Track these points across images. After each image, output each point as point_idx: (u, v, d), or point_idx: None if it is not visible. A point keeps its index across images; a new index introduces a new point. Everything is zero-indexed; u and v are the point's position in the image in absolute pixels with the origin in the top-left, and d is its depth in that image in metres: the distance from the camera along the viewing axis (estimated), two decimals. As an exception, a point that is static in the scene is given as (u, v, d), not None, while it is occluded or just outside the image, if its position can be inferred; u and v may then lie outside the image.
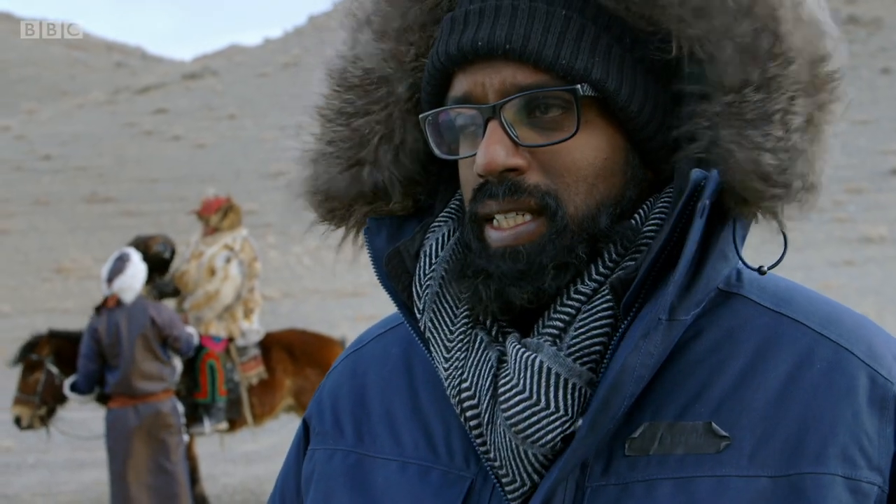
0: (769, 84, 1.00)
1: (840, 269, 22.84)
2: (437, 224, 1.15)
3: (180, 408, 7.32)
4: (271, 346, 8.36)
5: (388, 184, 1.18)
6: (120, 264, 7.06)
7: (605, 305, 1.02)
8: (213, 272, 7.95)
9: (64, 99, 56.81)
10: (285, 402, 8.38)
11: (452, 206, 1.16)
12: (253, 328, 8.25)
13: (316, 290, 23.73)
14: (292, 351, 8.41)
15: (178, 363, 7.41)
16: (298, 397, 8.39)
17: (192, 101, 45.19)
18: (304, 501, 1.20)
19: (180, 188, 31.94)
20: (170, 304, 7.93)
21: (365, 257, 1.21)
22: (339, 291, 23.11)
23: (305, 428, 1.25)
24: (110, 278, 7.02)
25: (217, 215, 8.13)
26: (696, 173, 0.98)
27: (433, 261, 1.11)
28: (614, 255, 1.04)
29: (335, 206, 1.20)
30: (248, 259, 8.17)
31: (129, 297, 7.03)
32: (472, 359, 1.05)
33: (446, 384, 1.07)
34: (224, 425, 8.03)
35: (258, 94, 44.61)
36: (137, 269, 7.11)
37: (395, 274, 1.14)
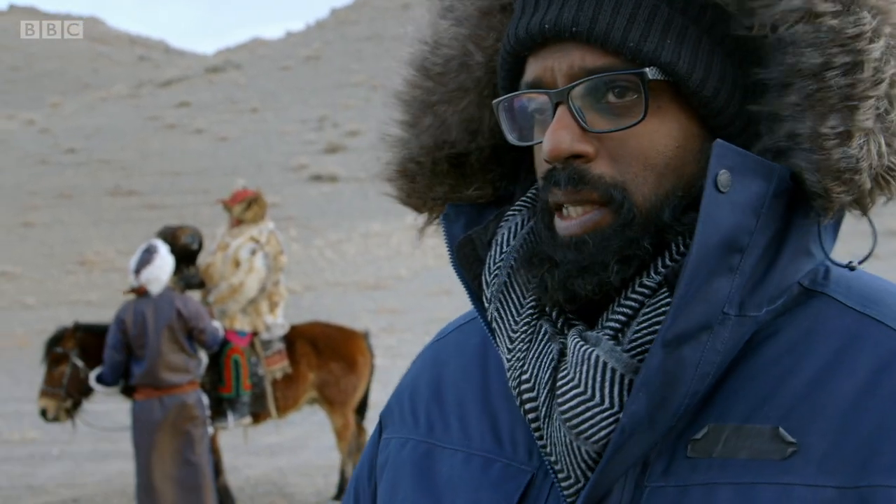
0: (854, 68, 0.94)
1: (866, 263, 22.63)
2: (511, 213, 1.12)
3: (205, 400, 7.34)
4: (295, 339, 8.35)
5: (470, 166, 1.16)
6: (147, 256, 7.08)
7: (667, 300, 0.97)
8: (237, 264, 7.95)
9: (88, 92, 57.12)
10: (309, 395, 8.39)
11: (529, 195, 1.13)
12: (278, 322, 8.25)
13: (337, 283, 23.77)
14: (316, 344, 8.41)
15: (203, 356, 7.42)
16: (322, 390, 8.40)
17: (214, 95, 45.34)
18: (378, 490, 1.19)
19: (203, 181, 32.07)
20: (195, 296, 7.94)
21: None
22: (360, 284, 23.15)
23: (381, 421, 1.24)
24: (138, 269, 7.05)
25: (240, 206, 8.12)
26: (714, 144, 0.94)
27: (504, 249, 1.08)
28: (682, 248, 0.99)
29: (417, 188, 1.18)
30: (273, 252, 8.17)
31: (155, 288, 7.06)
32: (533, 351, 1.02)
33: (508, 375, 1.04)
34: (248, 419, 8.04)
35: (280, 88, 44.71)
36: (165, 261, 7.13)
37: (467, 262, 1.11)
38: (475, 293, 1.11)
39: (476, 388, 1.14)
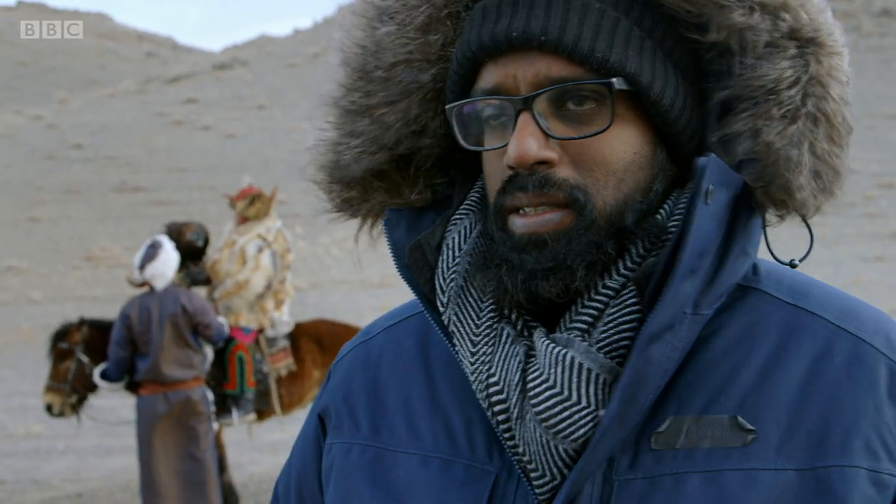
0: (800, 79, 1.01)
1: (871, 265, 22.64)
2: (458, 216, 1.13)
3: (210, 395, 7.35)
4: (300, 337, 8.36)
5: (408, 171, 1.17)
6: (152, 251, 7.11)
7: (632, 300, 1.01)
8: (244, 261, 7.97)
9: (95, 88, 57.21)
10: (313, 393, 8.39)
11: (473, 198, 1.15)
12: (283, 319, 8.26)
13: (343, 281, 23.79)
14: (321, 342, 8.41)
15: (209, 351, 7.44)
16: (327, 388, 8.40)
17: (221, 92, 45.39)
18: (325, 496, 1.18)
19: (210, 178, 32.11)
20: (201, 292, 7.96)
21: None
22: (366, 282, 23.16)
23: (321, 421, 1.23)
24: (142, 265, 7.07)
25: (243, 203, 8.14)
26: (701, 160, 0.99)
27: (456, 254, 1.10)
28: (641, 251, 1.03)
29: (352, 196, 1.19)
30: (280, 250, 8.18)
31: (160, 283, 7.08)
32: (499, 353, 1.04)
33: (472, 378, 1.06)
34: (252, 416, 8.06)
35: (288, 85, 44.74)
36: (169, 257, 7.15)
37: (417, 266, 1.13)
38: (426, 297, 1.12)
39: (421, 390, 1.14)
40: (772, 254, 1.09)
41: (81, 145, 37.18)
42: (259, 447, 10.52)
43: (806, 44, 1.02)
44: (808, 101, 1.01)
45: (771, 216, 1.07)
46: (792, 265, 1.10)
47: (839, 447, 0.97)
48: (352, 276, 23.87)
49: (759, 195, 1.03)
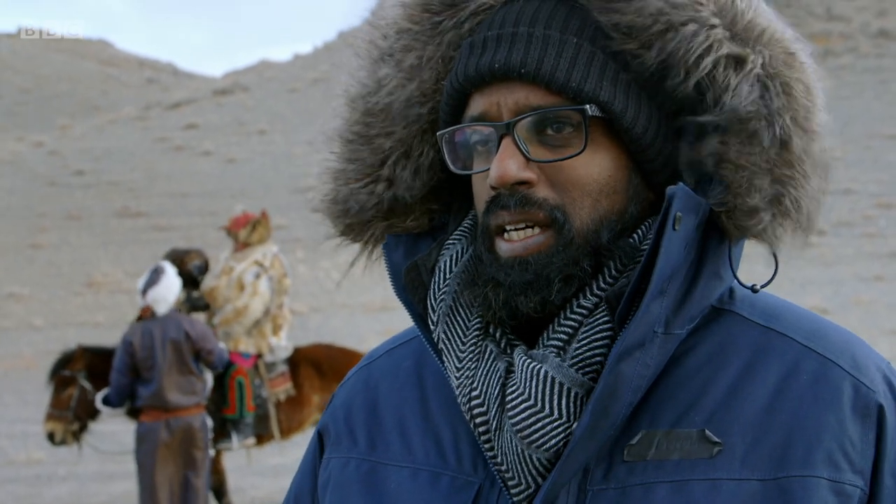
0: (769, 112, 1.08)
1: (870, 285, 22.65)
2: (451, 241, 1.22)
3: (210, 422, 7.39)
4: (299, 361, 8.40)
5: (406, 200, 1.25)
6: (154, 276, 7.17)
7: (604, 319, 1.09)
8: (242, 287, 8.02)
9: (96, 115, 57.37)
10: (313, 418, 8.41)
11: (466, 224, 1.23)
12: (281, 344, 8.30)
13: (345, 305, 23.81)
14: (320, 367, 8.44)
15: (209, 377, 7.48)
16: (326, 412, 8.40)
17: (222, 117, 45.52)
18: None
19: (211, 203, 32.18)
20: (200, 318, 8.00)
21: None
22: (367, 306, 23.18)
23: (320, 438, 1.32)
24: (145, 289, 7.12)
25: (245, 230, 8.20)
26: (670, 189, 1.06)
27: (447, 276, 1.18)
28: (614, 272, 1.11)
29: (353, 222, 1.27)
30: (277, 275, 8.23)
31: (162, 308, 7.12)
32: (482, 369, 1.12)
33: (457, 392, 1.14)
34: (252, 441, 8.08)
35: (288, 110, 44.86)
36: (171, 282, 7.21)
37: (412, 287, 1.21)
38: (420, 316, 1.20)
39: (415, 408, 1.23)
40: (735, 278, 1.16)
41: (83, 171, 37.29)
42: (259, 472, 10.52)
43: (770, 78, 1.09)
44: (769, 129, 1.08)
45: (744, 237, 1.13)
46: (753, 290, 1.17)
47: (801, 459, 1.04)
48: (353, 300, 23.89)
49: (723, 220, 1.10)
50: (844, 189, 29.44)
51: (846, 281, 22.88)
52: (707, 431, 1.06)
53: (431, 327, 1.18)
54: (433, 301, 1.18)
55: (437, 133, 1.18)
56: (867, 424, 1.06)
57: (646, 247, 1.10)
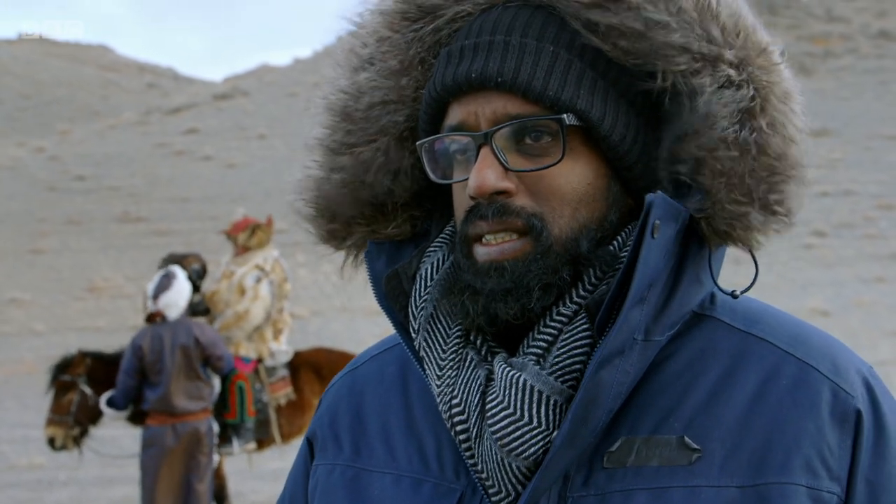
0: (745, 117, 1.08)
1: (871, 286, 22.63)
2: (432, 249, 1.22)
3: (215, 427, 7.40)
4: (300, 366, 8.40)
5: (387, 207, 1.25)
6: (166, 281, 7.18)
7: (584, 327, 1.09)
8: (243, 292, 8.01)
9: (97, 120, 57.40)
10: (313, 422, 8.40)
11: (447, 232, 1.23)
12: (282, 349, 8.30)
13: (345, 309, 23.80)
14: (320, 371, 8.44)
15: (216, 383, 7.49)
16: (326, 416, 8.38)
17: (222, 122, 45.54)
18: None
19: (211, 207, 32.19)
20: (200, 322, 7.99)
21: None
22: (368, 309, 23.17)
23: (310, 445, 1.32)
24: (156, 294, 7.12)
25: (245, 234, 8.19)
26: (648, 197, 1.06)
27: (428, 284, 1.18)
28: (593, 279, 1.11)
29: (336, 228, 1.27)
30: (278, 279, 8.22)
31: (173, 313, 7.14)
32: (462, 377, 1.12)
33: (438, 400, 1.14)
34: (252, 445, 8.08)
35: (288, 114, 44.88)
36: (182, 287, 7.22)
37: (394, 295, 1.21)
38: (401, 324, 1.20)
39: (399, 414, 1.23)
40: (715, 283, 1.16)
41: (83, 176, 37.30)
42: (259, 476, 10.52)
43: (746, 82, 1.09)
44: (746, 135, 1.08)
45: (724, 244, 1.13)
46: (733, 296, 1.17)
47: (779, 465, 1.04)
48: (353, 304, 23.88)
49: (703, 227, 1.10)
50: (845, 190, 29.45)
51: (847, 282, 22.87)
52: (686, 438, 1.06)
53: (413, 335, 1.18)
54: (414, 309, 1.18)
55: (417, 143, 1.18)
56: (845, 430, 1.06)
57: (625, 254, 1.10)
